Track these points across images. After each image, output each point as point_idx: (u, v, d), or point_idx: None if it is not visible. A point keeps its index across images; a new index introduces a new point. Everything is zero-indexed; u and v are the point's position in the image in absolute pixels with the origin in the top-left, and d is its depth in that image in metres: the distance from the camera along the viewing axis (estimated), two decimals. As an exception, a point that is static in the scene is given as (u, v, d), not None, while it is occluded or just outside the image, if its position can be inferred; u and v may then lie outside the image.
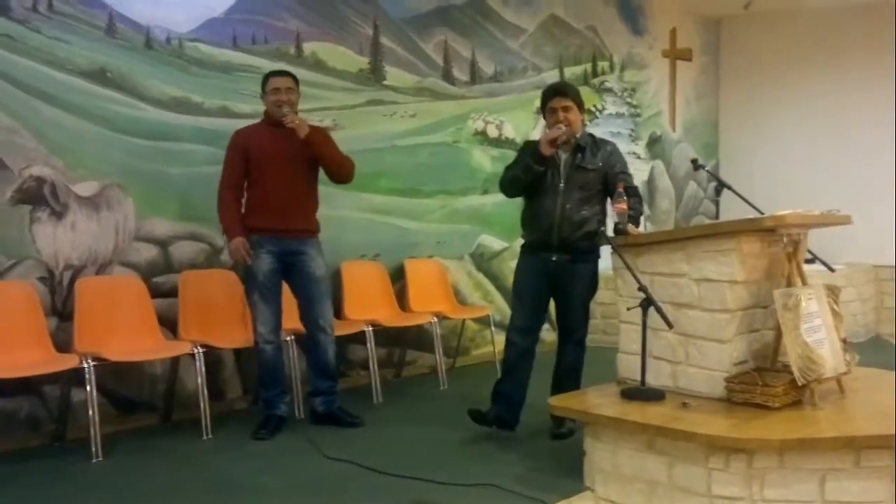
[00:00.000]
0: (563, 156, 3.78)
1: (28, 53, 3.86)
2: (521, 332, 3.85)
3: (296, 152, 3.94)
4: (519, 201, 4.02)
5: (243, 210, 4.01)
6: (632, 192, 3.74)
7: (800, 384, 3.05)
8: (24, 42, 3.85)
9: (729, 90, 8.49)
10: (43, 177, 3.88)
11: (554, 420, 3.81)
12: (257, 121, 4.15)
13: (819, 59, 7.72)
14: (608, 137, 7.09)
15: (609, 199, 3.78)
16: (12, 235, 3.78)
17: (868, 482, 2.73)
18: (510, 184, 3.87)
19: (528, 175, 3.74)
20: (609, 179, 3.78)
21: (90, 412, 3.52)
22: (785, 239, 3.29)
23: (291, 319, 4.14)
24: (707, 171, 4.68)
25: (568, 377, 3.83)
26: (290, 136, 3.90)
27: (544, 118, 3.90)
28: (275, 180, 3.92)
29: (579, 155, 3.77)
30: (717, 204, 4.96)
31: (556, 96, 3.79)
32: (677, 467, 2.89)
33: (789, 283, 3.27)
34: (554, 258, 3.77)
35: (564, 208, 3.72)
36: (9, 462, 3.48)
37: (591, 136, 3.95)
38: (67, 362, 3.51)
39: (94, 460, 3.48)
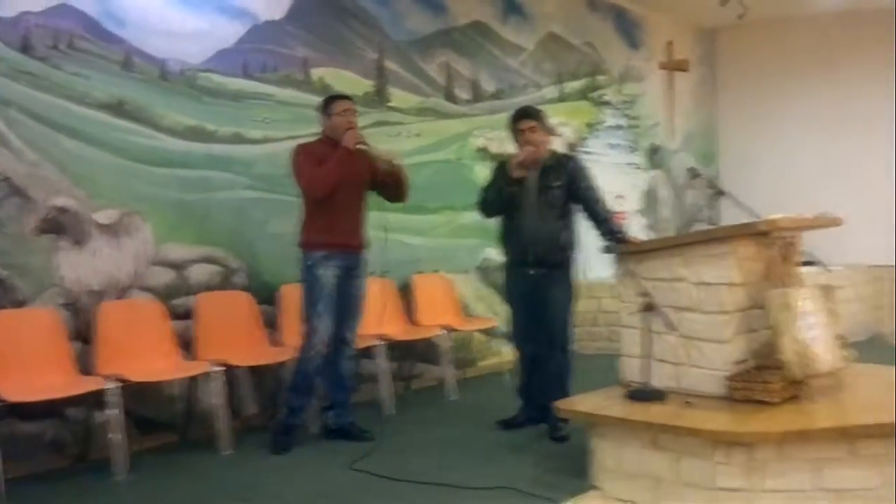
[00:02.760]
0: (532, 176, 3.97)
1: (49, 89, 4.04)
2: (525, 340, 4.11)
3: (360, 173, 4.12)
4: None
5: (309, 227, 4.11)
6: (601, 203, 3.99)
7: (797, 380, 3.18)
8: (46, 78, 4.03)
9: (727, 99, 8.66)
10: (66, 207, 4.04)
11: (551, 424, 3.95)
12: (315, 139, 4.24)
13: (814, 66, 7.89)
14: (607, 149, 7.40)
15: (579, 212, 4.07)
16: (38, 264, 3.94)
17: (863, 470, 2.85)
18: (486, 206, 4.13)
19: (501, 197, 3.98)
20: (575, 194, 4.00)
21: (114, 432, 3.65)
22: (779, 241, 3.43)
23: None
24: (705, 179, 4.83)
25: (554, 384, 3.96)
26: (355, 156, 4.06)
27: (514, 142, 4.11)
28: (343, 198, 4.06)
29: (545, 175, 3.98)
30: (715, 211, 5.11)
31: (522, 119, 4.03)
32: (682, 462, 3.01)
33: (785, 284, 3.40)
34: (532, 272, 3.99)
35: (537, 225, 3.94)
36: (36, 483, 3.60)
37: (555, 152, 4.17)
38: (91, 384, 3.65)
39: (119, 478, 3.62)
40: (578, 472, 3.33)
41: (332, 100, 4.25)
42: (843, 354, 3.40)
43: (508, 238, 4.13)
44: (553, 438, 3.94)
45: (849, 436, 2.87)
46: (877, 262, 7.38)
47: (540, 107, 4.60)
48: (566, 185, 4.00)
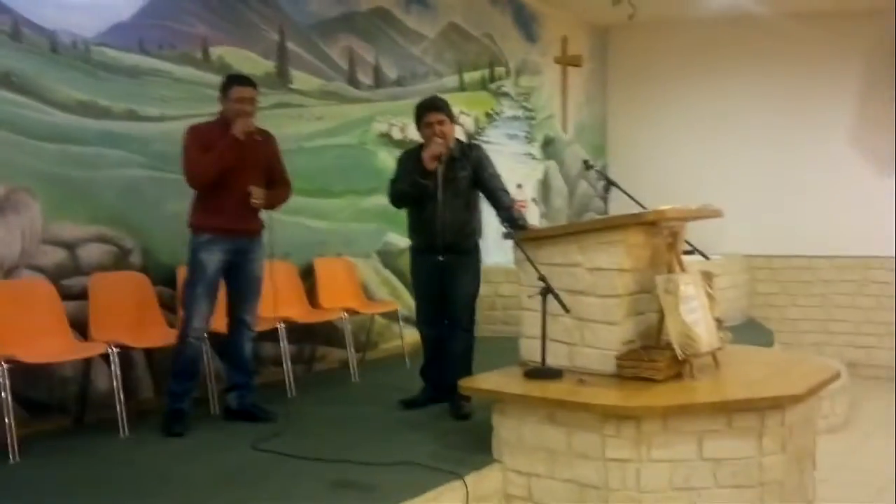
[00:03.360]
0: (440, 167, 4.08)
1: (-72, 57, 3.82)
2: (428, 324, 4.26)
3: (256, 159, 4.08)
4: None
5: (197, 208, 4.07)
6: (504, 191, 4.17)
7: (680, 359, 3.43)
8: (-76, 45, 3.81)
9: (616, 94, 9.04)
10: (-53, 181, 3.84)
11: (452, 403, 4.08)
12: (211, 119, 4.19)
13: (699, 66, 8.35)
14: (505, 139, 7.60)
15: (484, 198, 4.22)
16: (-85, 240, 3.74)
17: (739, 441, 3.12)
18: (400, 198, 4.21)
19: (416, 189, 4.08)
20: (479, 182, 4.15)
21: (4, 414, 3.52)
22: (665, 231, 3.67)
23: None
24: (597, 170, 5.06)
25: (458, 363, 4.11)
26: (249, 141, 4.01)
27: (419, 131, 4.21)
28: (233, 183, 4.00)
29: (451, 165, 4.10)
30: (605, 201, 5.38)
31: (431, 111, 4.12)
32: (575, 436, 3.20)
33: (670, 270, 3.65)
34: (441, 258, 4.12)
35: (445, 215, 4.07)
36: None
37: (460, 142, 4.30)
38: (-21, 365, 3.51)
39: (11, 461, 3.49)
40: (480, 448, 3.47)
41: (231, 82, 4.16)
42: (720, 336, 3.68)
43: (417, 226, 4.22)
44: (456, 416, 4.06)
45: (726, 410, 3.13)
46: (751, 252, 7.94)
47: (442, 96, 4.66)
48: (471, 174, 4.13)
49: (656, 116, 8.59)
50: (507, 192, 4.23)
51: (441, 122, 4.07)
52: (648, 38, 8.58)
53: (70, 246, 4.29)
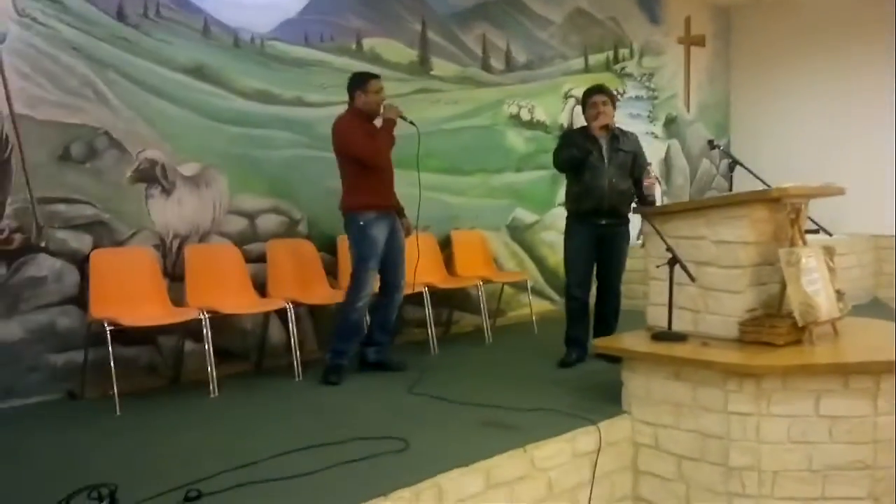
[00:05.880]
0: (604, 141, 4.65)
1: (140, 54, 4.53)
2: (579, 288, 4.77)
3: (392, 142, 4.61)
4: (551, 180, 4.88)
5: (359, 190, 4.53)
6: (646, 171, 4.68)
7: (800, 326, 3.71)
8: (138, 44, 4.51)
9: (739, 73, 9.08)
10: (155, 159, 4.56)
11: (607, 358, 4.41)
12: (344, 111, 4.66)
13: (823, 43, 8.29)
14: (628, 119, 7.87)
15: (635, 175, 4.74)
16: (132, 209, 4.47)
17: (854, 400, 3.39)
18: (569, 162, 4.71)
19: (583, 153, 4.63)
20: (634, 162, 4.73)
21: (208, 356, 4.21)
22: (788, 207, 3.94)
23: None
24: (722, 149, 5.32)
25: (610, 319, 4.70)
26: (385, 127, 4.55)
27: (583, 111, 4.81)
28: (384, 164, 4.55)
29: (616, 140, 4.67)
30: (730, 179, 5.61)
31: (597, 93, 4.75)
32: (699, 391, 3.56)
33: (792, 244, 3.91)
34: (603, 222, 4.66)
35: (611, 181, 4.61)
36: (140, 400, 4.15)
37: (619, 128, 4.84)
38: (187, 314, 4.20)
39: (210, 396, 4.18)
40: (612, 401, 3.87)
41: (366, 78, 4.64)
42: (840, 306, 3.93)
43: (582, 191, 4.69)
44: (612, 361, 4.35)
45: (843, 371, 3.41)
46: (878, 231, 7.88)
47: (566, 77, 5.44)
48: (632, 153, 4.72)
49: (780, 94, 8.60)
50: (647, 172, 4.70)
51: (605, 103, 4.68)
52: (772, 17, 8.58)
53: (250, 216, 4.97)
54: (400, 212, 4.81)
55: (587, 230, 4.72)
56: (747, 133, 8.81)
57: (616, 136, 4.73)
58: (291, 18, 5.21)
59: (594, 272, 4.82)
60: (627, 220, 4.77)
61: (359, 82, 4.62)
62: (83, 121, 4.30)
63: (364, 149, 4.47)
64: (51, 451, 3.37)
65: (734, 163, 4.98)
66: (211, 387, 4.20)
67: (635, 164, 4.73)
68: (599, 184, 4.63)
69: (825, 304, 3.80)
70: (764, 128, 8.64)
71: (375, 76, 4.71)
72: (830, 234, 4.64)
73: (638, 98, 7.98)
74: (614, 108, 4.76)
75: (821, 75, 8.34)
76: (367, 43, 5.63)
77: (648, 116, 8.09)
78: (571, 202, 4.81)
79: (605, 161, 4.65)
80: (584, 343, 4.78)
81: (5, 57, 4.05)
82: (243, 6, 4.96)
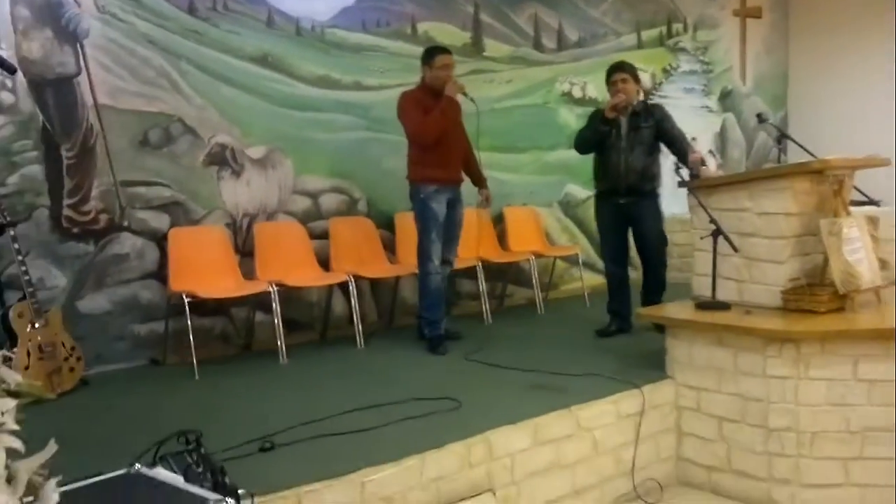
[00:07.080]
0: (623, 119, 4.73)
1: (210, 44, 4.85)
2: (614, 262, 4.93)
3: (456, 116, 4.71)
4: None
5: (421, 163, 4.67)
6: (685, 141, 4.73)
7: (841, 294, 3.81)
8: (207, 35, 4.83)
9: (798, 45, 8.96)
10: (225, 143, 4.89)
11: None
12: (413, 87, 4.80)
13: (882, 15, 8.14)
14: (681, 93, 7.92)
15: (664, 148, 4.83)
16: (205, 190, 4.82)
17: (893, 365, 3.49)
18: (582, 143, 4.86)
19: (595, 135, 4.72)
20: (664, 133, 4.76)
21: (276, 326, 4.54)
22: (831, 178, 4.02)
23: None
24: (770, 123, 5.38)
25: (655, 291, 4.81)
26: (455, 103, 4.62)
27: (608, 90, 4.86)
28: (446, 139, 4.64)
29: (635, 118, 4.73)
30: (782, 151, 5.68)
31: (616, 72, 4.78)
32: (740, 356, 3.71)
33: (835, 215, 4.00)
34: (622, 200, 4.77)
35: (628, 160, 4.71)
36: (212, 366, 4.48)
37: (644, 103, 4.91)
38: (257, 287, 4.54)
39: (280, 362, 4.51)
40: (655, 366, 4.05)
41: (433, 53, 4.73)
42: (882, 275, 4.01)
43: (603, 171, 4.84)
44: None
45: (883, 337, 3.50)
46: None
47: (618, 54, 5.53)
48: (654, 127, 4.75)
49: (839, 66, 8.48)
50: (687, 142, 4.78)
51: (624, 81, 4.72)
52: (833, -14, 8.46)
53: (313, 195, 5.27)
54: (482, 182, 5.01)
55: (611, 207, 4.84)
56: (806, 105, 8.72)
57: (637, 112, 4.75)
58: (349, 6, 5.47)
59: (628, 246, 4.94)
60: (653, 195, 4.82)
61: (427, 57, 4.72)
62: (159, 109, 4.65)
63: (413, 124, 4.61)
64: (138, 409, 3.74)
65: (782, 136, 5.06)
66: (280, 354, 4.53)
67: (663, 134, 4.73)
68: (615, 163, 4.73)
69: (867, 273, 3.88)
70: (823, 99, 8.54)
71: (445, 50, 4.77)
72: (878, 204, 4.68)
73: (692, 72, 8.00)
74: (637, 82, 4.79)
75: (881, 46, 8.19)
76: (422, 27, 5.85)
77: (703, 90, 8.11)
78: (596, 180, 4.97)
79: (623, 140, 4.72)
80: (625, 314, 4.92)
81: (89, 51, 4.41)
82: (304, -5, 5.24)
